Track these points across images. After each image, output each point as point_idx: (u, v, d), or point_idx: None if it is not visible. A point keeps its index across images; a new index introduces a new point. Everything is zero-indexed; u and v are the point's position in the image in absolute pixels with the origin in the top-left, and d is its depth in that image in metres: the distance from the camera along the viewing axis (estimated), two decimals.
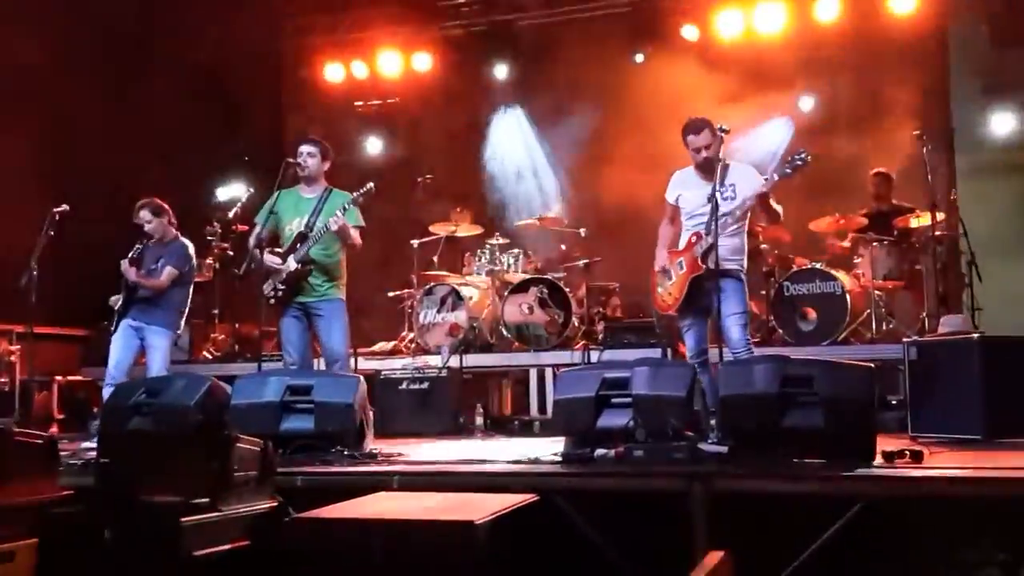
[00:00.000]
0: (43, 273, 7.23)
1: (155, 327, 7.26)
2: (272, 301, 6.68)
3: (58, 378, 8.93)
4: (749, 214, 6.15)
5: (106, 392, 7.18)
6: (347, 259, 6.84)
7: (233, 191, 10.38)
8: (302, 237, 6.62)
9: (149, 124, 9.93)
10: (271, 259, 6.65)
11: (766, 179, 5.98)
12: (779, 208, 6.13)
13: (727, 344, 5.98)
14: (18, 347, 8.58)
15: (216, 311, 9.89)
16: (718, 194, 5.88)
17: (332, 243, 6.66)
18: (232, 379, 6.12)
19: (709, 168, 6.04)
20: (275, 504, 4.36)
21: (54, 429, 8.30)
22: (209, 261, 9.88)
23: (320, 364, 7.21)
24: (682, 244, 6.22)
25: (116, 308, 7.25)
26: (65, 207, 7.31)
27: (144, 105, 9.90)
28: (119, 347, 7.23)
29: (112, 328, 7.29)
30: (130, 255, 7.27)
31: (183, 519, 3.74)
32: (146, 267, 7.27)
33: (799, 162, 5.82)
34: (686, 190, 6.23)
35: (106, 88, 9.63)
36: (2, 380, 8.59)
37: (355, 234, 6.62)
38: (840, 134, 9.97)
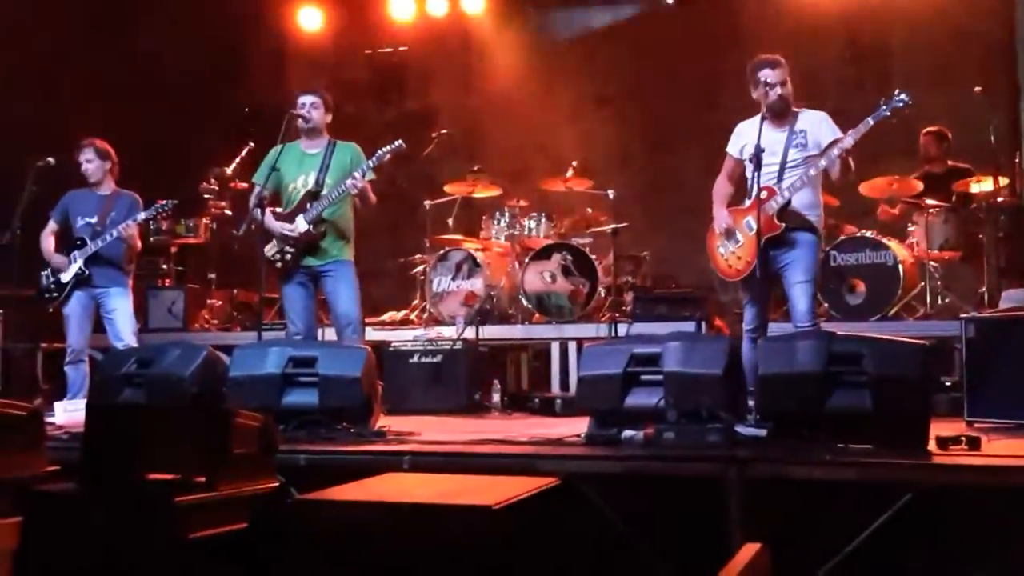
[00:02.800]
0: (26, 232, 7.26)
1: (117, 288, 7.33)
2: (279, 265, 6.68)
3: (43, 345, 8.96)
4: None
5: (69, 370, 7.27)
6: (355, 220, 6.84)
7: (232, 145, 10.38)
8: (312, 196, 6.60)
9: (141, 71, 9.94)
10: (276, 221, 6.64)
11: (860, 126, 5.76)
12: (851, 163, 5.95)
13: (792, 316, 5.93)
14: (0, 311, 8.62)
15: (213, 276, 9.92)
16: (787, 142, 5.83)
17: (343, 201, 6.65)
18: (230, 349, 6.15)
19: (782, 110, 5.91)
20: (276, 484, 4.38)
21: (38, 400, 8.36)
22: (205, 221, 9.91)
23: (324, 335, 7.23)
24: (748, 200, 6.09)
25: (68, 279, 7.26)
26: (50, 160, 7.33)
27: (136, 50, 9.91)
28: (79, 319, 7.30)
29: (58, 301, 7.31)
30: (55, 218, 7.41)
31: (178, 499, 3.76)
32: (103, 222, 7.27)
33: (899, 103, 5.64)
34: (752, 139, 5.99)
35: (95, 32, 9.64)
36: None
37: (370, 192, 6.62)
38: (894, 88, 9.86)
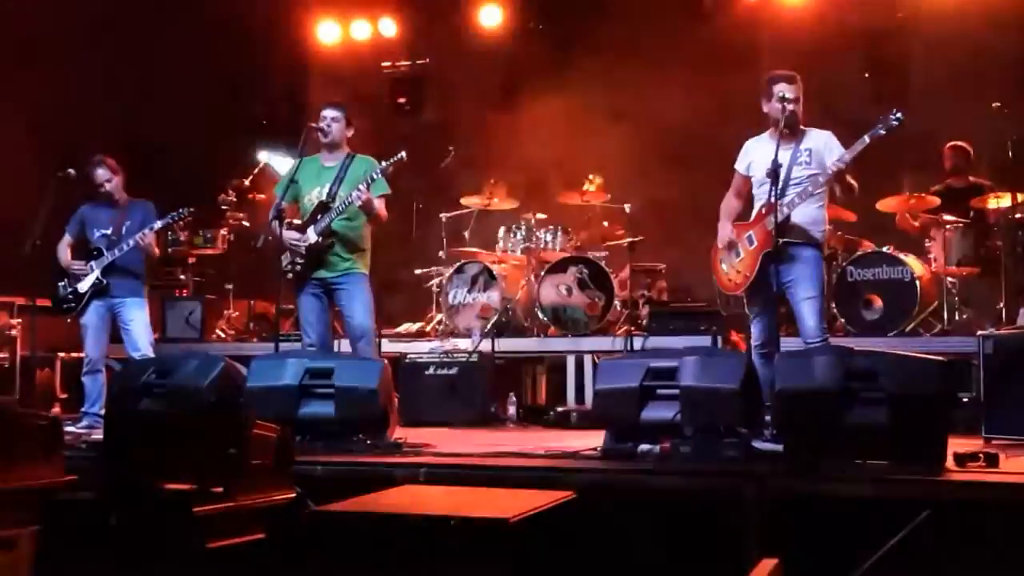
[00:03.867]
0: (46, 242, 7.30)
1: (133, 298, 7.37)
2: (290, 275, 6.71)
3: (61, 354, 9.01)
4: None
5: (87, 380, 7.30)
6: (371, 232, 6.85)
7: (250, 156, 10.44)
8: (323, 207, 6.63)
9: (161, 83, 10.01)
10: (290, 232, 6.67)
11: (857, 145, 5.81)
12: (854, 182, 6.02)
13: (801, 332, 5.94)
14: (19, 321, 8.68)
15: (230, 287, 9.96)
16: (792, 159, 5.86)
17: (356, 214, 6.66)
18: (247, 360, 6.17)
19: (792, 127, 5.95)
20: (293, 495, 4.39)
21: (56, 409, 8.41)
22: (223, 232, 9.96)
23: (340, 346, 7.24)
24: (752, 216, 6.13)
25: (85, 289, 7.30)
26: (70, 171, 7.38)
27: (156, 62, 9.98)
28: (96, 329, 7.34)
29: (75, 311, 7.35)
30: (71, 231, 7.46)
31: (195, 509, 3.77)
32: (119, 232, 7.31)
33: (894, 122, 5.67)
34: (758, 156, 6.08)
35: (115, 44, 9.71)
36: (2, 356, 8.70)
37: (381, 206, 6.63)
38: (912, 104, 9.86)
